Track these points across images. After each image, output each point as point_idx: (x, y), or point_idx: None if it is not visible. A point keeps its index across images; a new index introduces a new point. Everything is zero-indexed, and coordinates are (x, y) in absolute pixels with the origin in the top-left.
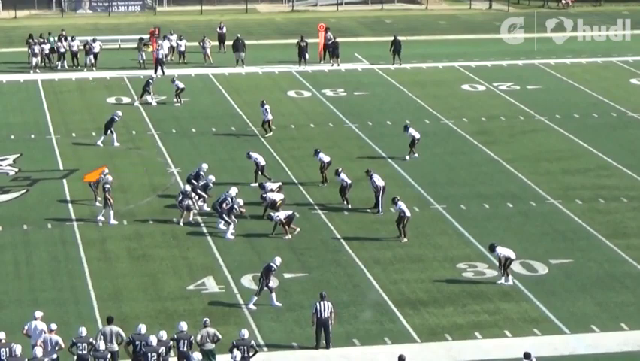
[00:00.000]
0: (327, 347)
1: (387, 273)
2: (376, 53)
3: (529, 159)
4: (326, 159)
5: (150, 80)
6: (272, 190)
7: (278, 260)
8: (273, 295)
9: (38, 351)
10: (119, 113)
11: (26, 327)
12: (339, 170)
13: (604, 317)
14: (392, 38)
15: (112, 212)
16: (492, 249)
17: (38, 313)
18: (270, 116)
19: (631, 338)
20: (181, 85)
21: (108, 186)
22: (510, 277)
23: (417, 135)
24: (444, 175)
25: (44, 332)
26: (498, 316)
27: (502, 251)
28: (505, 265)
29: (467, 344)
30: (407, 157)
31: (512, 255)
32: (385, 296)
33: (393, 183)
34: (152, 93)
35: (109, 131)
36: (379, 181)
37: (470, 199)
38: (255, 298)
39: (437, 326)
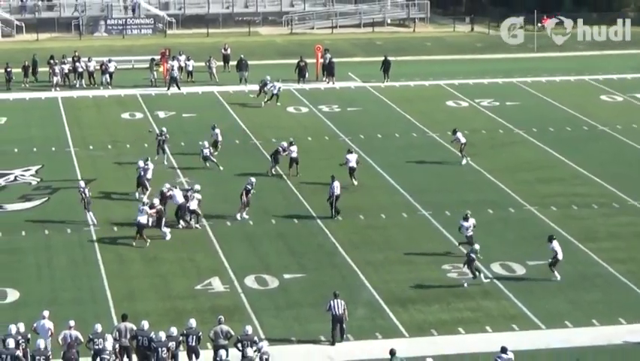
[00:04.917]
0: (341, 339)
1: (379, 274)
2: (368, 72)
3: (508, 169)
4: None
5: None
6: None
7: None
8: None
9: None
10: (164, 129)
11: (35, 325)
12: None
13: (576, 314)
14: (383, 58)
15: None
16: (550, 240)
17: (46, 313)
18: (220, 138)
19: (601, 333)
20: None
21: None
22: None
23: (463, 140)
24: (430, 184)
25: (50, 330)
26: (479, 313)
27: (556, 246)
28: (553, 261)
29: (451, 339)
30: (463, 161)
31: (560, 254)
32: (377, 295)
33: (383, 191)
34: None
35: (160, 149)
36: (337, 190)
37: (454, 206)
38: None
39: (424, 322)
